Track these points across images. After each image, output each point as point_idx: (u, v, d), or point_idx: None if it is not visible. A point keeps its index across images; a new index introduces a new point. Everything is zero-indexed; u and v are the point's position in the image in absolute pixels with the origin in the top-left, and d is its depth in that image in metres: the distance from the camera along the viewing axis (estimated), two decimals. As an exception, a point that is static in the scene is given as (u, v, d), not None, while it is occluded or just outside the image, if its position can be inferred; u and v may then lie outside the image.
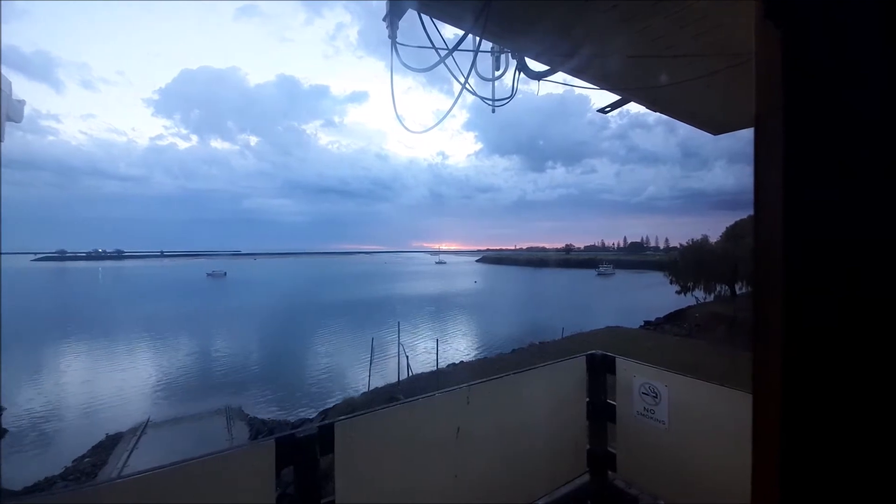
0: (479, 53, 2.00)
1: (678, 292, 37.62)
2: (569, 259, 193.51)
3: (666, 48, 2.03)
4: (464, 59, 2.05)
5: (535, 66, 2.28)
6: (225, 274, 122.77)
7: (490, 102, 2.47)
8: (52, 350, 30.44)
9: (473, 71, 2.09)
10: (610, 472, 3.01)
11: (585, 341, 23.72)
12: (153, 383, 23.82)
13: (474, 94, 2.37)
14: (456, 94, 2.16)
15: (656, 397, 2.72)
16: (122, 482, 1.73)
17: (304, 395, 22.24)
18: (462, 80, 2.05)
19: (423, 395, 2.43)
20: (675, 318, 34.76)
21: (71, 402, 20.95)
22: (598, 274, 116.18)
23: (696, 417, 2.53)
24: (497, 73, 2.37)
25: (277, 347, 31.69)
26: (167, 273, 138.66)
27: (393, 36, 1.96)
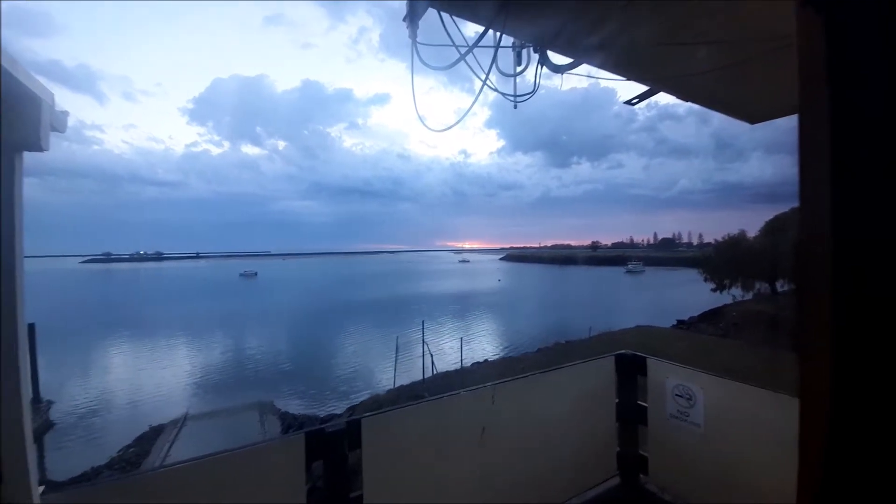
0: (500, 49, 1.98)
1: (713, 290, 35.98)
2: (595, 256, 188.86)
3: (697, 34, 1.94)
4: (485, 56, 2.03)
5: (558, 59, 2.23)
6: (256, 274, 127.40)
7: (512, 98, 2.44)
8: (100, 346, 32.56)
9: (494, 67, 2.07)
10: (641, 476, 2.92)
11: (614, 341, 23.09)
12: (191, 378, 25.06)
13: (495, 90, 2.34)
14: (477, 91, 2.15)
15: (690, 399, 2.61)
16: (163, 472, 1.84)
17: (331, 391, 22.79)
18: (483, 76, 2.04)
19: (448, 394, 2.45)
20: (711, 317, 33.26)
21: (117, 396, 22.35)
22: (627, 271, 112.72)
23: (735, 421, 2.42)
24: (519, 69, 2.33)
25: (306, 345, 32.61)
26: (203, 273, 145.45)
27: (413, 36, 1.96)
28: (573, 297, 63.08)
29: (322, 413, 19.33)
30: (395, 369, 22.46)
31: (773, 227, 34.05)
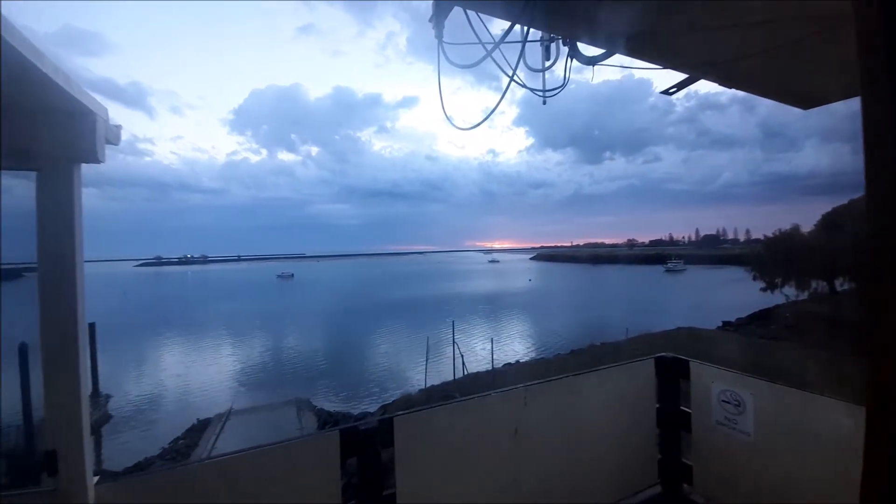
0: (528, 44, 1.94)
1: (763, 289, 33.59)
2: (632, 255, 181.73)
3: (741, 15, 1.81)
4: (512, 52, 2.00)
5: (589, 51, 2.15)
6: (292, 275, 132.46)
7: (540, 93, 2.38)
8: (153, 343, 35.01)
9: (522, 63, 2.03)
10: (685, 486, 2.77)
11: (653, 343, 22.09)
12: (234, 374, 26.42)
13: (523, 85, 2.29)
14: (504, 89, 2.12)
15: (739, 406, 2.45)
16: (210, 462, 1.95)
17: (364, 389, 23.30)
18: (510, 72, 2.00)
19: (479, 395, 2.44)
20: (761, 318, 31.11)
21: (168, 390, 23.93)
22: (667, 270, 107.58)
23: (788, 430, 2.24)
24: (547, 64, 2.28)
25: (340, 344, 33.53)
26: (244, 275, 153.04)
27: (439, 35, 1.96)
28: (608, 298, 60.99)
29: (356, 411, 19.79)
30: (426, 369, 22.61)
31: (831, 221, 31.34)
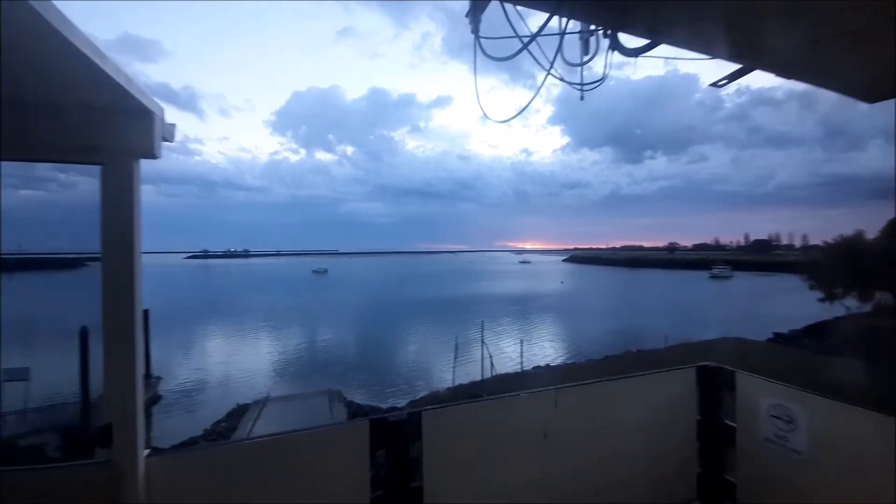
0: (566, 37, 1.88)
1: (821, 300, 30.93)
2: (673, 259, 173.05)
3: (799, 0, 1.66)
4: (549, 47, 1.94)
5: (631, 42, 2.05)
6: (326, 271, 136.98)
7: (578, 87, 2.30)
8: (199, 331, 37.34)
9: (560, 57, 1.97)
10: None
11: (695, 352, 20.95)
12: (271, 363, 27.69)
13: (561, 79, 2.22)
14: (540, 82, 2.06)
15: (791, 422, 2.27)
16: (249, 443, 2.06)
17: (393, 385, 23.71)
18: (547, 66, 1.95)
19: (508, 394, 2.42)
20: (818, 330, 28.75)
21: (211, 375, 25.46)
22: (711, 276, 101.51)
23: (846, 450, 2.06)
24: (586, 58, 2.20)
25: (370, 339, 34.31)
26: (282, 269, 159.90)
27: (476, 31, 1.94)
28: (647, 303, 58.44)
29: (384, 405, 20.18)
30: (454, 368, 22.67)
31: (902, 228, 28.38)
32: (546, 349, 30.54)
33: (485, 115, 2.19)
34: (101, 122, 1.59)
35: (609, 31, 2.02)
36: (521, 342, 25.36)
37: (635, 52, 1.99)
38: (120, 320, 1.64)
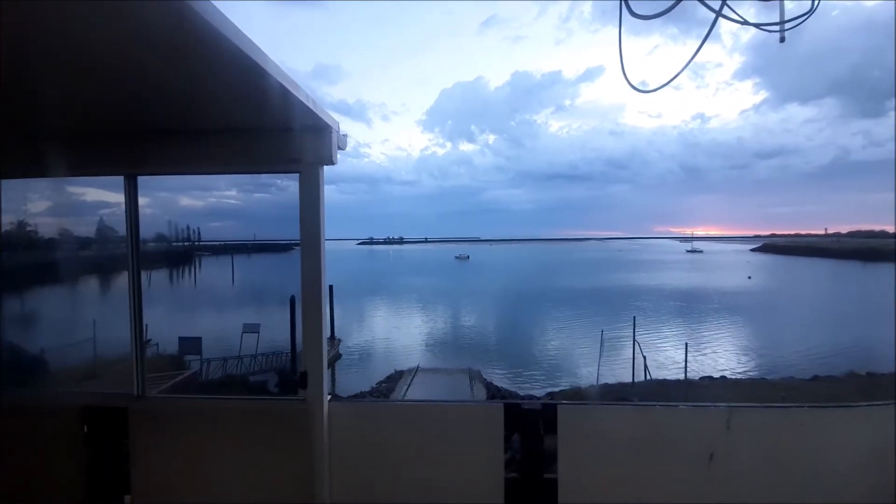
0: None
1: None
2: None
3: None
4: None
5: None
6: (468, 257, 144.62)
7: (776, 28, 1.72)
8: (368, 305, 44.67)
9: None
10: None
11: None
12: (421, 338, 31.18)
13: (744, 21, 1.69)
14: (708, 29, 1.62)
15: None
16: (405, 404, 2.43)
17: (531, 373, 23.67)
18: (717, 6, 1.53)
19: (663, 403, 2.18)
20: None
21: (376, 343, 30.24)
22: None
23: None
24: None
25: (510, 325, 34.91)
26: (429, 255, 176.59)
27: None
28: (887, 310, 42.04)
29: (522, 392, 20.36)
30: (598, 365, 21.11)
31: None
32: (722, 357, 25.43)
33: (632, 86, 1.85)
34: (298, 139, 2.08)
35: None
36: (686, 346, 21.71)
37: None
38: (312, 291, 2.11)
